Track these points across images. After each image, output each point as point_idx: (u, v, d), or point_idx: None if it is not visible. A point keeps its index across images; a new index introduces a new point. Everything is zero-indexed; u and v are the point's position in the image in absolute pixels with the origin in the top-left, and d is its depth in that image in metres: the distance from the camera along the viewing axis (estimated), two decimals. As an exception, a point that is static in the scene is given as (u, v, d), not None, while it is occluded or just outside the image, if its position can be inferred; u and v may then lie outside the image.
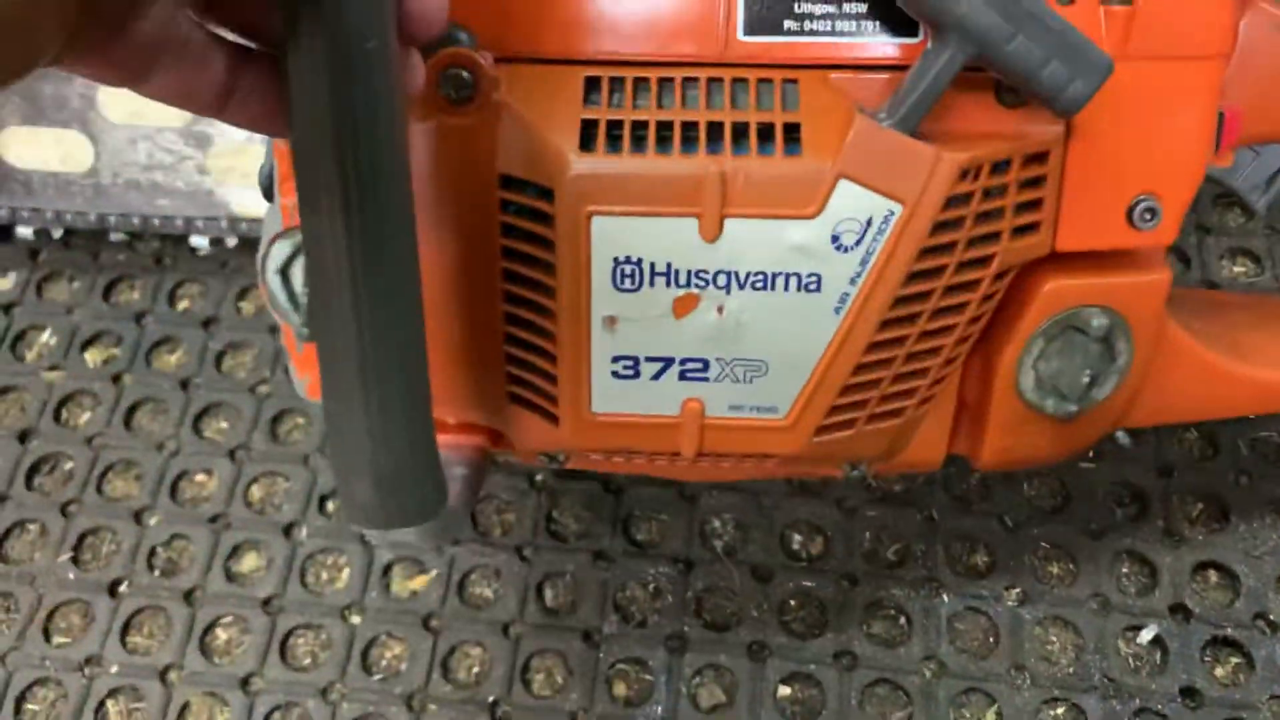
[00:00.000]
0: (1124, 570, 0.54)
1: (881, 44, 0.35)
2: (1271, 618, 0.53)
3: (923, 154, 0.34)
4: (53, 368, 0.64)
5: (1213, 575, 0.54)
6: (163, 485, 0.58)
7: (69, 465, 0.60)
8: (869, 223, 0.35)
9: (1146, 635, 0.52)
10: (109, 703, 0.52)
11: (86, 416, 0.62)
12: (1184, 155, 0.39)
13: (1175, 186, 0.39)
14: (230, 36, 0.27)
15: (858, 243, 0.35)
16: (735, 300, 0.36)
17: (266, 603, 0.55)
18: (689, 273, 0.36)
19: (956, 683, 0.51)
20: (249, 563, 0.56)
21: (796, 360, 0.37)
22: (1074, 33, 0.33)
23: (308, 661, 0.53)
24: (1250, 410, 0.49)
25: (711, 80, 0.35)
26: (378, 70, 0.26)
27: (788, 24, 0.35)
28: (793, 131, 0.35)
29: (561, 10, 0.35)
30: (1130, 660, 0.52)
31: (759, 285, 0.36)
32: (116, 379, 0.63)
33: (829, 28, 0.35)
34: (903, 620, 0.53)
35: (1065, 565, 0.55)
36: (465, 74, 0.34)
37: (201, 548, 0.56)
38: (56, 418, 0.62)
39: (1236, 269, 0.64)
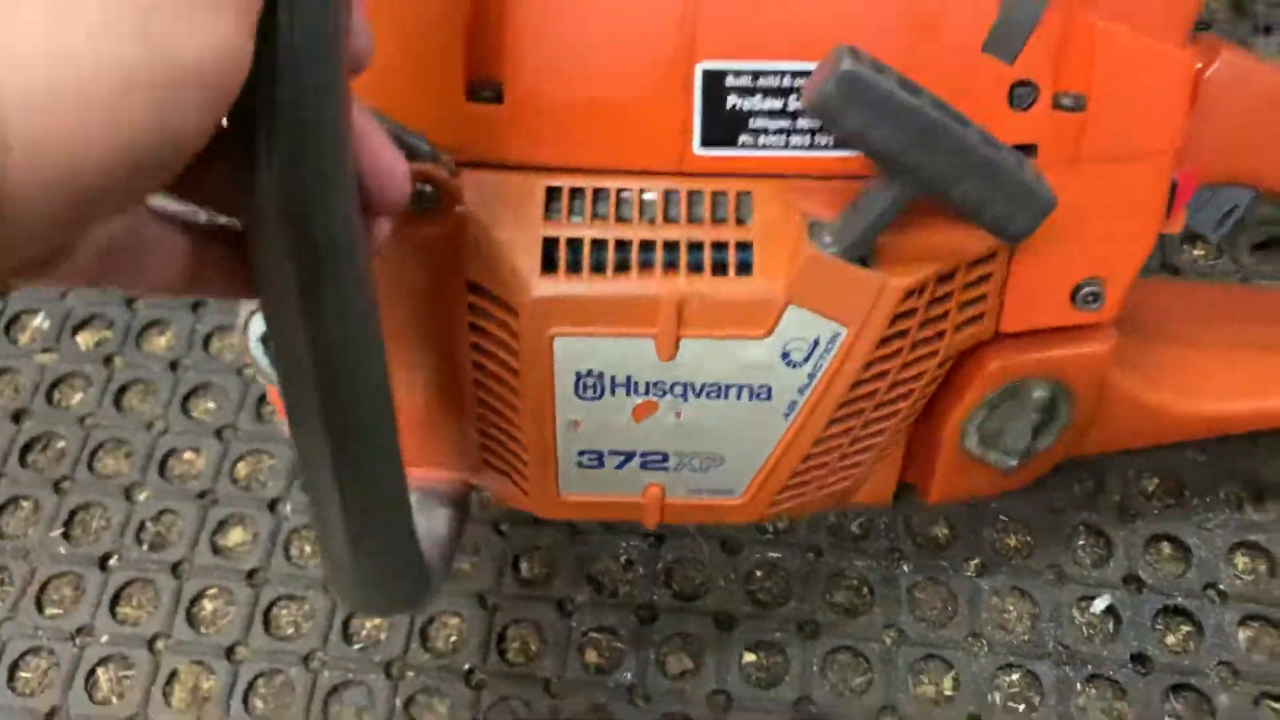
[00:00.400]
0: (1080, 543, 0.56)
1: (834, 157, 0.36)
2: (1221, 587, 0.54)
3: (868, 282, 0.36)
4: (46, 350, 0.65)
5: (1166, 548, 0.56)
6: (151, 463, 0.60)
7: (61, 444, 0.62)
8: (816, 342, 0.37)
9: (1100, 605, 0.54)
10: (99, 671, 0.54)
11: (79, 397, 0.63)
12: (1130, 243, 0.41)
13: (1120, 271, 0.41)
14: (191, 218, 0.27)
15: (806, 359, 0.37)
16: (691, 407, 0.39)
17: (251, 575, 0.56)
18: (647, 384, 0.38)
19: (915, 650, 0.53)
20: (235, 537, 0.58)
21: (750, 456, 0.40)
22: (1022, 172, 0.34)
23: (290, 631, 0.55)
24: (1201, 436, 0.52)
25: (669, 191, 0.36)
26: (342, 247, 0.25)
27: (743, 138, 0.36)
28: (745, 251, 0.36)
29: (522, 119, 0.36)
30: (1084, 629, 0.54)
31: (713, 394, 0.38)
32: (108, 361, 0.65)
33: (783, 141, 0.36)
34: (865, 590, 0.55)
35: (1023, 538, 0.56)
36: (428, 188, 0.35)
37: (189, 522, 0.58)
38: (49, 398, 0.64)
39: (1196, 252, 0.66)
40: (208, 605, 0.56)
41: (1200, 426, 0.50)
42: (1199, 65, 0.39)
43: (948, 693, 0.52)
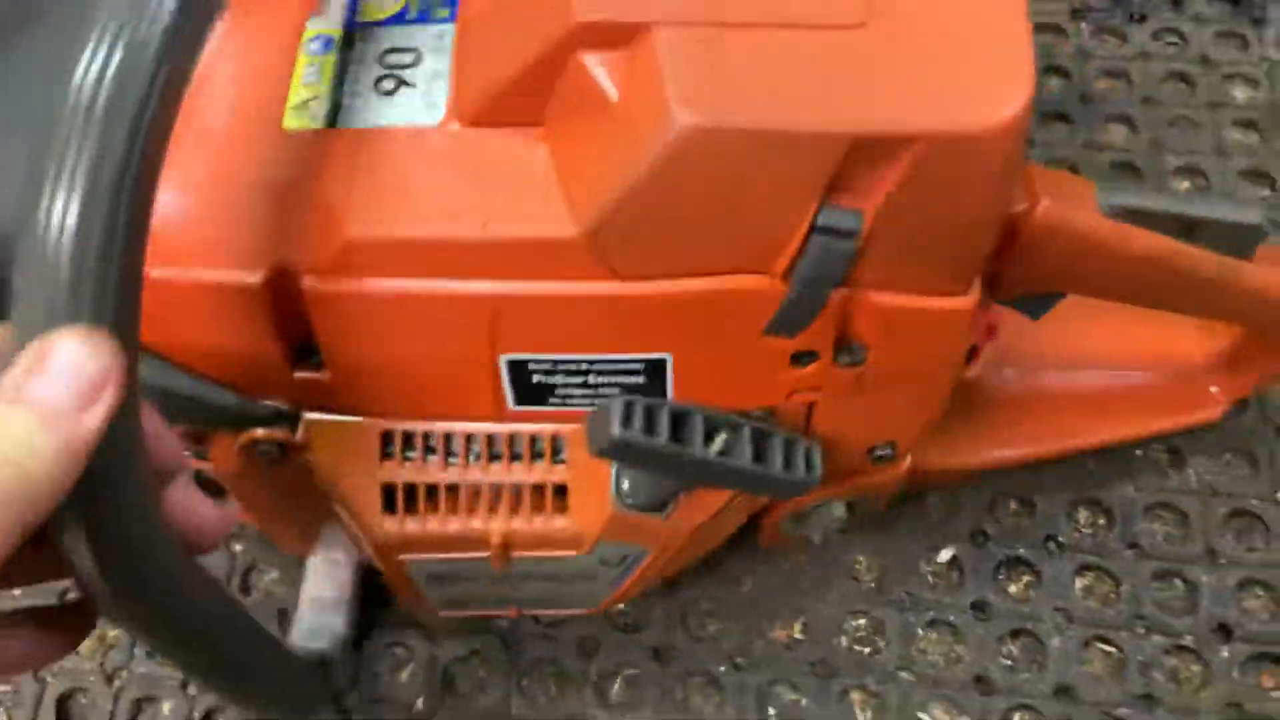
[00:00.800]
0: (931, 500, 0.60)
1: None
2: (1060, 539, 0.58)
3: (662, 526, 0.42)
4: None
5: (1012, 504, 0.60)
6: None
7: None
8: (626, 556, 0.44)
9: (945, 555, 0.58)
10: None
11: None
12: (919, 417, 0.46)
13: (910, 434, 0.47)
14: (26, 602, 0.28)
15: (621, 561, 0.44)
16: (531, 585, 0.46)
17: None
18: (490, 576, 0.45)
19: (771, 598, 0.57)
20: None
21: (591, 602, 0.49)
22: (788, 471, 0.40)
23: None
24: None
25: (491, 435, 0.42)
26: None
27: (552, 400, 0.40)
28: (561, 493, 0.42)
29: (346, 385, 0.40)
30: (929, 578, 0.58)
31: (549, 578, 0.45)
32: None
33: (589, 401, 0.40)
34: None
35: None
36: (273, 446, 0.40)
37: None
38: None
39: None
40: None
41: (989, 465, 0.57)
42: (1023, 207, 0.41)
43: (798, 636, 0.56)
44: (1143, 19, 0.76)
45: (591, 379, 0.39)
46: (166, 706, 0.56)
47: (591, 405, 0.40)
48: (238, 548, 0.59)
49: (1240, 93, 0.73)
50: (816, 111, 0.32)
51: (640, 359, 0.39)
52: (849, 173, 0.33)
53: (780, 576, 0.58)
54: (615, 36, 0.33)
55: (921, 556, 0.58)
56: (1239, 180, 0.69)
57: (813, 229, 0.34)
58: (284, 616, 0.57)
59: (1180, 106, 0.72)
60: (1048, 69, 0.74)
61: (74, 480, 0.22)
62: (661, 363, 0.39)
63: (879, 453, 0.46)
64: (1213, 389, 0.57)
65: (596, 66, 0.34)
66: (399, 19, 0.39)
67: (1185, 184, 0.69)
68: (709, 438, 0.39)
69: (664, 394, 0.40)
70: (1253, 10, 0.75)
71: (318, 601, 0.54)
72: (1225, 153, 0.70)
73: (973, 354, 0.45)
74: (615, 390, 0.40)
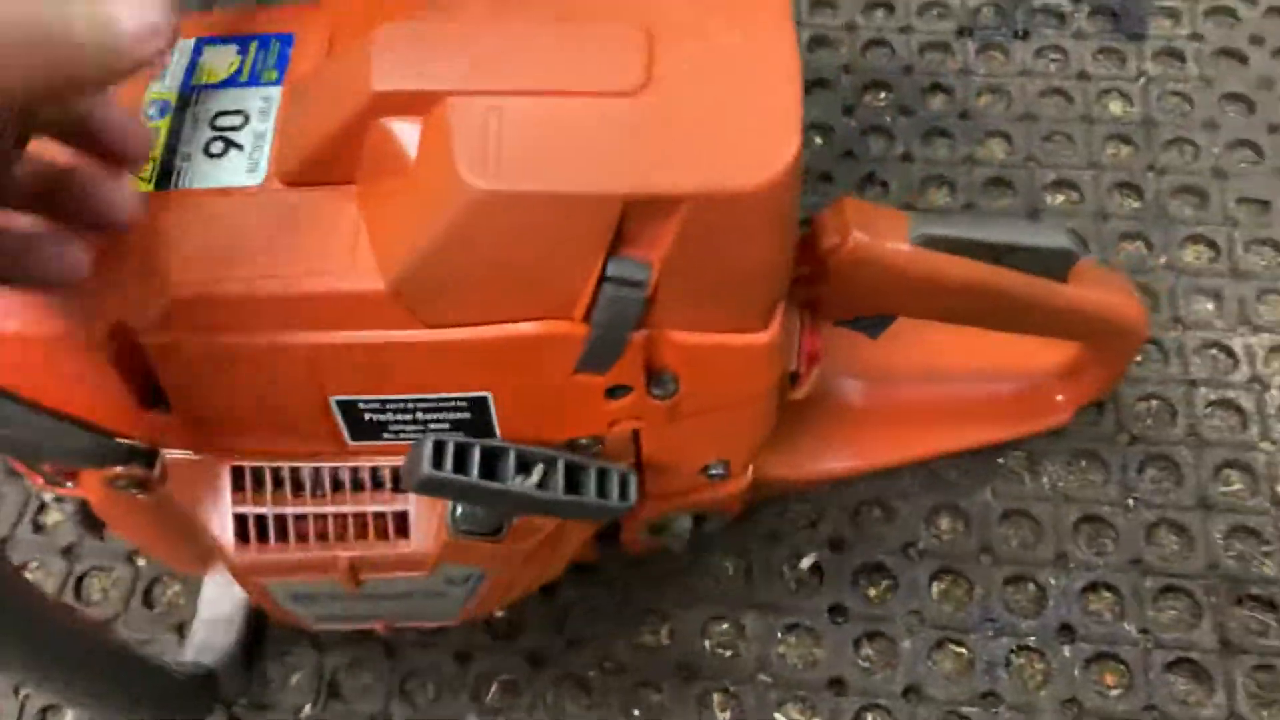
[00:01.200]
0: (796, 508, 0.63)
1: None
2: (919, 546, 0.61)
3: (497, 550, 0.45)
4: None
5: (875, 511, 0.63)
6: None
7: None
8: (470, 576, 0.47)
9: (806, 562, 0.61)
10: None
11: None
12: (748, 436, 0.48)
13: (741, 452, 0.49)
14: None
15: (466, 580, 0.47)
16: (387, 602, 0.48)
17: (67, 550, 0.64)
18: (345, 596, 0.47)
19: (634, 605, 0.60)
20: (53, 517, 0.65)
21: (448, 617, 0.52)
22: (604, 501, 0.43)
23: (97, 597, 0.62)
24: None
25: (335, 468, 0.44)
26: None
27: (386, 435, 0.43)
28: (403, 520, 0.44)
29: (192, 427, 0.42)
30: (791, 583, 0.61)
31: (403, 596, 0.48)
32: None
33: (421, 434, 0.42)
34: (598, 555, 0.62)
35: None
36: (132, 482, 0.43)
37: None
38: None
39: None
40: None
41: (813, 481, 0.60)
42: (835, 241, 0.45)
43: (664, 641, 0.59)
44: (1026, 36, 0.78)
45: (419, 415, 0.42)
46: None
47: (425, 432, 0.43)
48: (141, 562, 0.63)
49: (1116, 107, 0.75)
50: (593, 174, 0.35)
51: (461, 397, 0.42)
52: (632, 228, 0.36)
53: (651, 582, 0.61)
54: (411, 104, 0.36)
55: (785, 563, 0.61)
56: (1110, 193, 0.72)
57: (603, 279, 0.37)
58: (182, 630, 0.60)
59: (1057, 122, 0.74)
60: (933, 86, 0.77)
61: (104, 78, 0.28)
62: (483, 399, 0.42)
63: (713, 471, 0.49)
64: (1059, 397, 0.61)
65: (396, 131, 0.37)
66: (231, 82, 0.42)
67: (1060, 198, 0.72)
68: (526, 471, 0.42)
69: (490, 427, 0.43)
70: (1132, 26, 0.77)
71: (211, 618, 0.57)
72: (1099, 166, 0.73)
73: (797, 378, 0.48)
74: (445, 425, 0.43)
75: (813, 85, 0.77)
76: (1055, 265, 0.49)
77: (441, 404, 0.42)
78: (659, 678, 0.58)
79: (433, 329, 0.39)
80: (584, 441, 0.45)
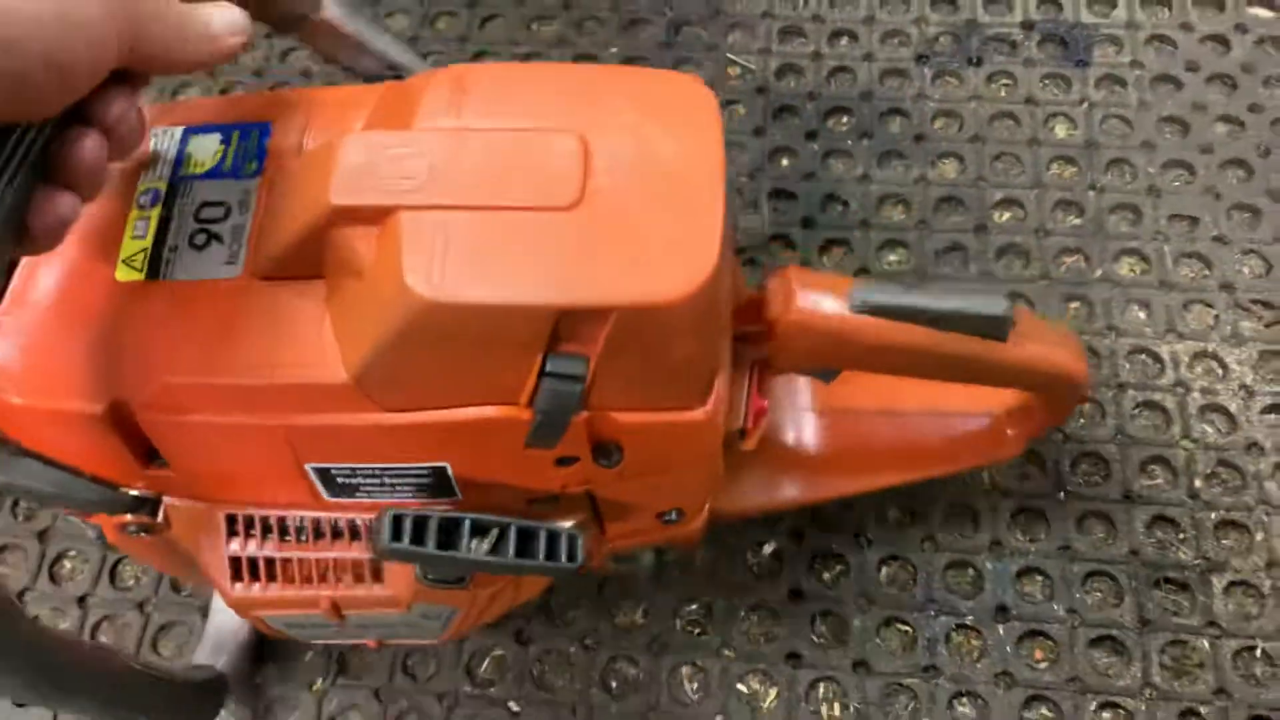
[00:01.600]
0: (760, 501, 0.69)
1: (425, 500, 0.47)
2: (869, 535, 0.68)
3: (462, 596, 0.50)
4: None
5: (831, 505, 0.69)
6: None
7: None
8: (442, 612, 0.52)
9: (768, 550, 0.68)
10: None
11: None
12: (698, 488, 0.53)
13: (693, 501, 0.53)
14: None
15: (439, 615, 0.52)
16: (372, 629, 0.54)
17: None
18: (333, 623, 0.52)
19: (620, 590, 0.67)
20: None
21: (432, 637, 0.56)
22: (564, 563, 0.46)
23: (131, 583, 0.69)
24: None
25: (316, 518, 0.48)
26: None
27: (359, 494, 0.47)
28: (377, 567, 0.49)
29: (189, 482, 0.47)
30: (754, 569, 0.67)
31: (385, 625, 0.53)
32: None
33: (391, 494, 0.47)
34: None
35: (715, 498, 0.70)
36: (140, 527, 0.48)
37: (54, 499, 0.72)
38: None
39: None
40: (67, 564, 0.70)
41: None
42: (779, 310, 0.48)
43: (639, 620, 0.66)
44: (979, 63, 0.84)
45: (387, 480, 0.47)
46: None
47: (394, 497, 0.48)
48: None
49: (1061, 130, 0.81)
50: (529, 287, 0.38)
51: (423, 467, 0.45)
52: (568, 329, 0.39)
53: (629, 569, 0.67)
54: (366, 217, 0.40)
55: (749, 550, 0.68)
56: (1053, 211, 0.78)
57: (543, 374, 0.40)
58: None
59: (1006, 144, 0.81)
60: (891, 110, 0.83)
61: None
62: (443, 468, 0.45)
63: (667, 517, 0.53)
64: (1010, 432, 0.64)
65: (353, 240, 0.40)
66: (215, 173, 0.44)
67: (1006, 215, 0.78)
68: (481, 536, 0.45)
69: (452, 488, 0.46)
70: (1078, 53, 0.84)
71: (221, 622, 0.64)
72: (1043, 185, 0.79)
73: (745, 433, 0.52)
74: (410, 488, 0.47)
75: (779, 111, 0.84)
76: (993, 329, 0.51)
77: (405, 471, 0.45)
78: (633, 653, 0.65)
79: (392, 413, 0.42)
80: (539, 500, 0.49)
